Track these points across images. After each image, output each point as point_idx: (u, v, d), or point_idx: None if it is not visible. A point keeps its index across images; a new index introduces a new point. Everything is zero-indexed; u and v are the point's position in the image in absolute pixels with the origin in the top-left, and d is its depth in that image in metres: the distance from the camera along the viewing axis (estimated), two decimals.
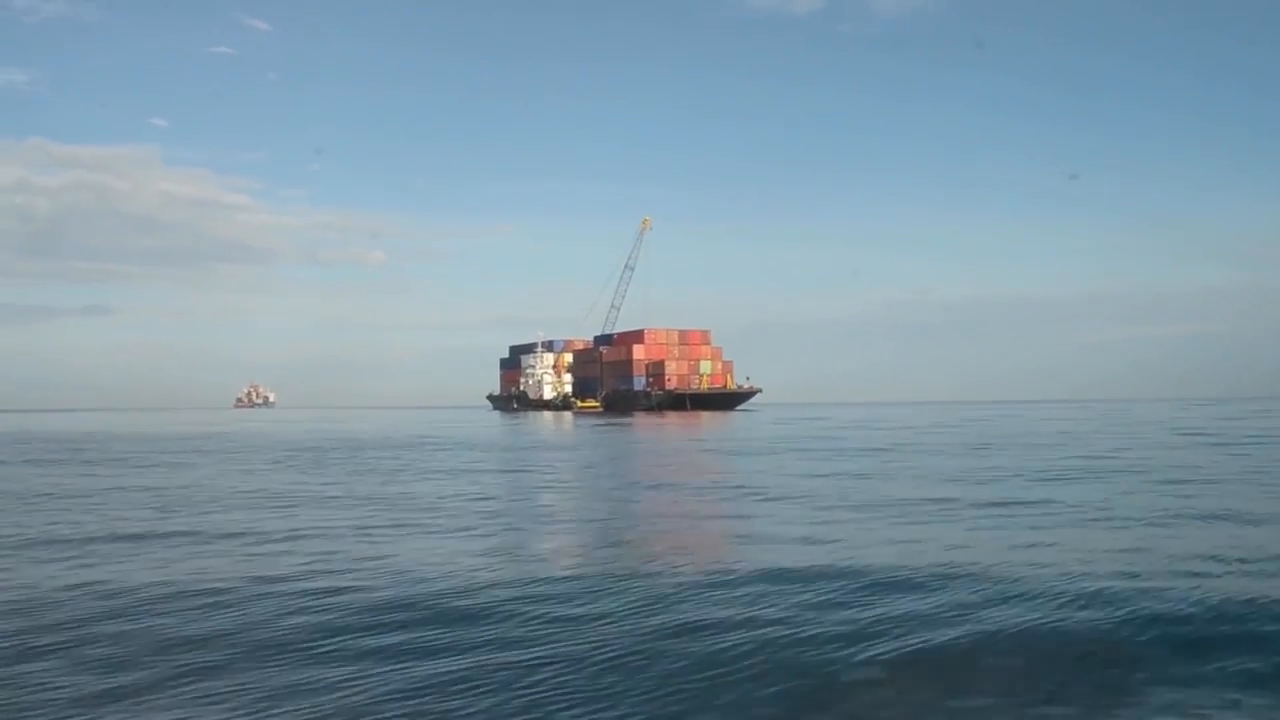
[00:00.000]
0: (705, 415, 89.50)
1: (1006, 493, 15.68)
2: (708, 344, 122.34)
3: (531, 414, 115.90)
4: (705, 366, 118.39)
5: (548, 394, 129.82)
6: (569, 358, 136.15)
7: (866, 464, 23.73)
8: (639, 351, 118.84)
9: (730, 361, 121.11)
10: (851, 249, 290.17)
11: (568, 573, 8.87)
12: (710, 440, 41.26)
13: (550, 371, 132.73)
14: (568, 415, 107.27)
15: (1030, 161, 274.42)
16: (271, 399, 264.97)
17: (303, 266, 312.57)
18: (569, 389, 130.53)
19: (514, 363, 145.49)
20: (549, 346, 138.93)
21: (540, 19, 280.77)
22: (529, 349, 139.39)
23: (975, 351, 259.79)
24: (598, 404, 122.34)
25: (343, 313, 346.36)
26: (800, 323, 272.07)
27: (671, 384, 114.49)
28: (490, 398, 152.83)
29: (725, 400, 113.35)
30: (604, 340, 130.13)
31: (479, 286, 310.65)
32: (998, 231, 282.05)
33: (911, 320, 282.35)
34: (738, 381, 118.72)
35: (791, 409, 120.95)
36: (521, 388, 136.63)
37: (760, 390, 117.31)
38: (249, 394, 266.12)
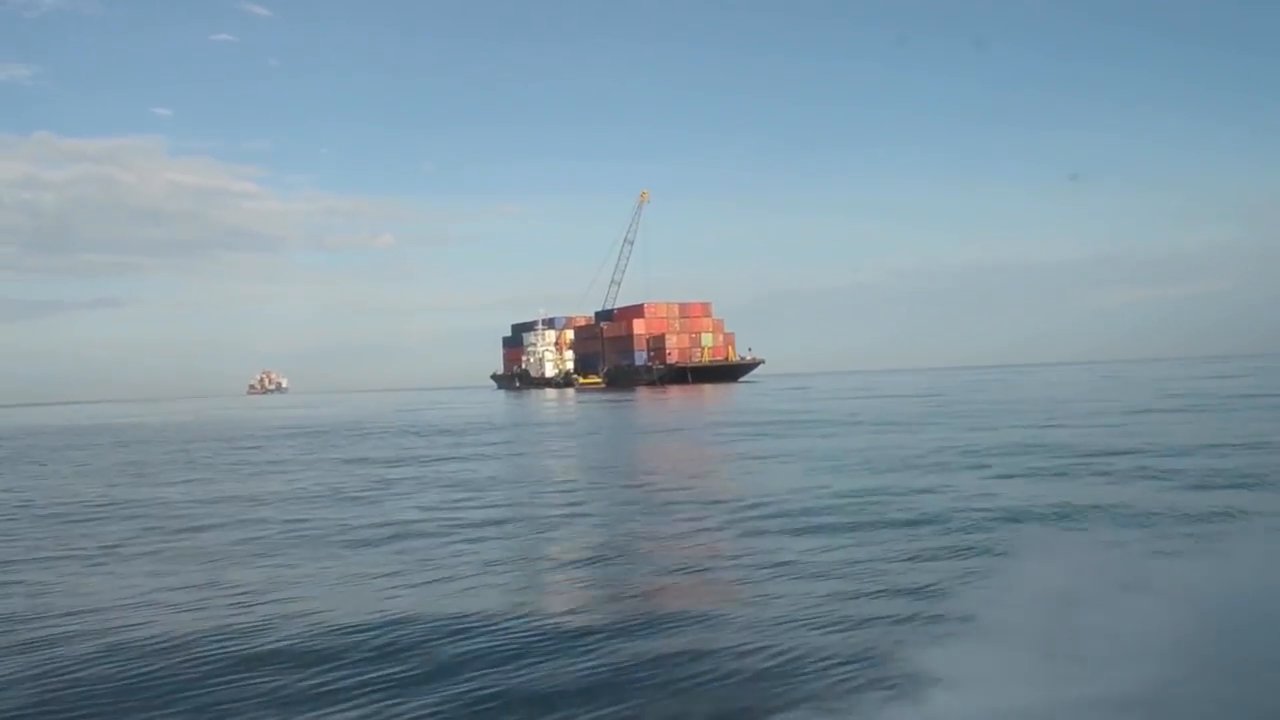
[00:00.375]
0: (708, 388, 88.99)
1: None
2: (709, 316, 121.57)
3: (533, 392, 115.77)
4: (707, 339, 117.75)
5: (549, 372, 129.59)
6: (570, 335, 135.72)
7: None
8: (639, 326, 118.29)
9: (732, 334, 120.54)
10: (859, 219, 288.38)
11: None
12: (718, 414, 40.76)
13: (551, 349, 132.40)
14: (570, 392, 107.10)
15: (1034, 132, 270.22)
16: (284, 385, 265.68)
17: (311, 252, 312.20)
18: (570, 366, 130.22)
19: (516, 341, 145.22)
20: (550, 324, 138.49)
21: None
22: (530, 327, 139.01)
23: (986, 317, 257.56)
24: (600, 380, 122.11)
25: (353, 297, 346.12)
26: (811, 291, 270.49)
27: (673, 358, 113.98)
28: (494, 377, 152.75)
29: (727, 372, 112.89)
30: (605, 316, 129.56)
31: (487, 268, 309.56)
32: (1005, 199, 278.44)
33: (921, 288, 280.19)
34: (739, 353, 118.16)
35: (795, 380, 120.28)
36: (523, 366, 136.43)
37: (763, 361, 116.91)
38: (261, 381, 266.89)
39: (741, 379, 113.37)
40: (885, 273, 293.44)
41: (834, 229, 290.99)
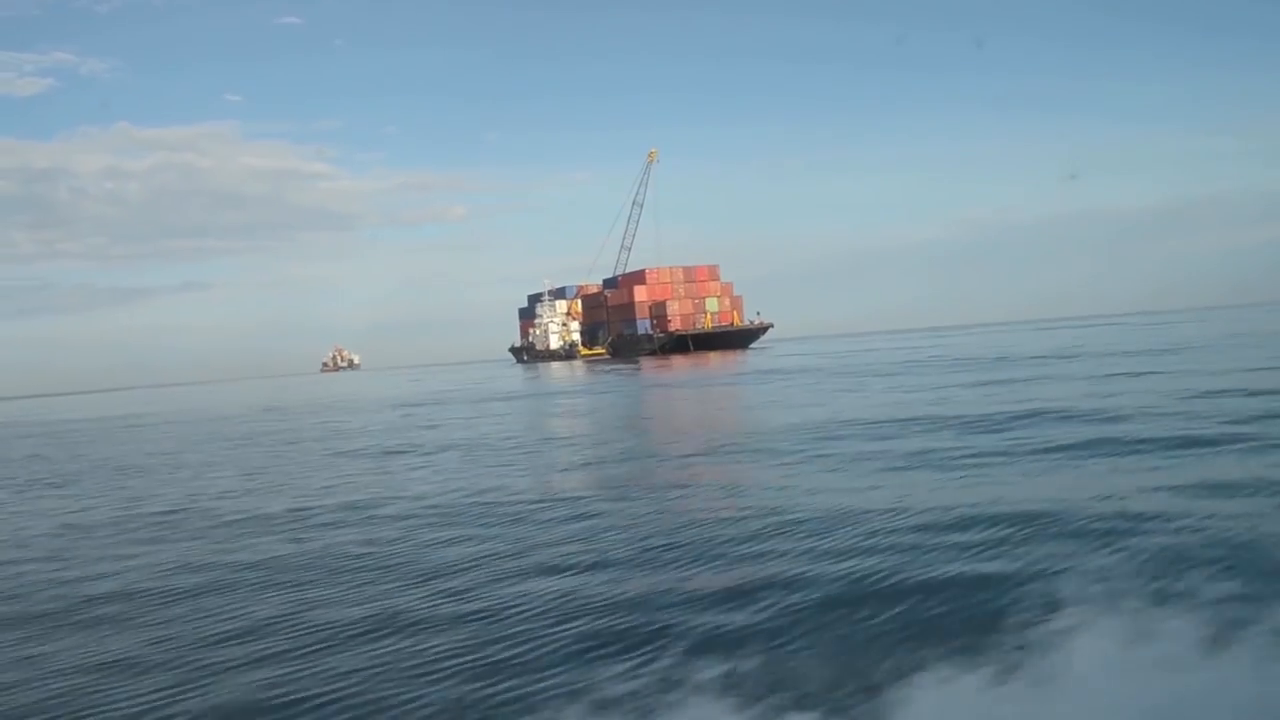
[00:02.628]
0: (713, 357, 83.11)
1: None
2: (716, 280, 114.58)
3: (540, 365, 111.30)
4: (712, 304, 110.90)
5: (554, 344, 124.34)
6: (580, 304, 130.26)
7: None
8: (641, 293, 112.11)
9: (740, 297, 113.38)
10: (920, 172, 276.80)
11: None
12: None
13: (557, 320, 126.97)
14: (578, 364, 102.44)
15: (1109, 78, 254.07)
16: (356, 361, 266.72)
17: (385, 228, 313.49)
18: (576, 337, 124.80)
19: (531, 312, 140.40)
20: (561, 294, 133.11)
21: None
22: (541, 298, 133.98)
23: (1064, 269, 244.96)
24: (603, 350, 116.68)
25: (427, 271, 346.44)
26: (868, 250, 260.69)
27: (675, 325, 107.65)
28: (511, 350, 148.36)
29: (734, 339, 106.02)
30: (612, 284, 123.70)
31: (557, 236, 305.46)
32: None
33: (992, 239, 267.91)
34: (748, 318, 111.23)
35: (810, 343, 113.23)
36: (530, 339, 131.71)
37: (771, 326, 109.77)
38: (334, 358, 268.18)
39: (751, 346, 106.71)
40: (959, 223, 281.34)
41: (881, 188, 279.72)
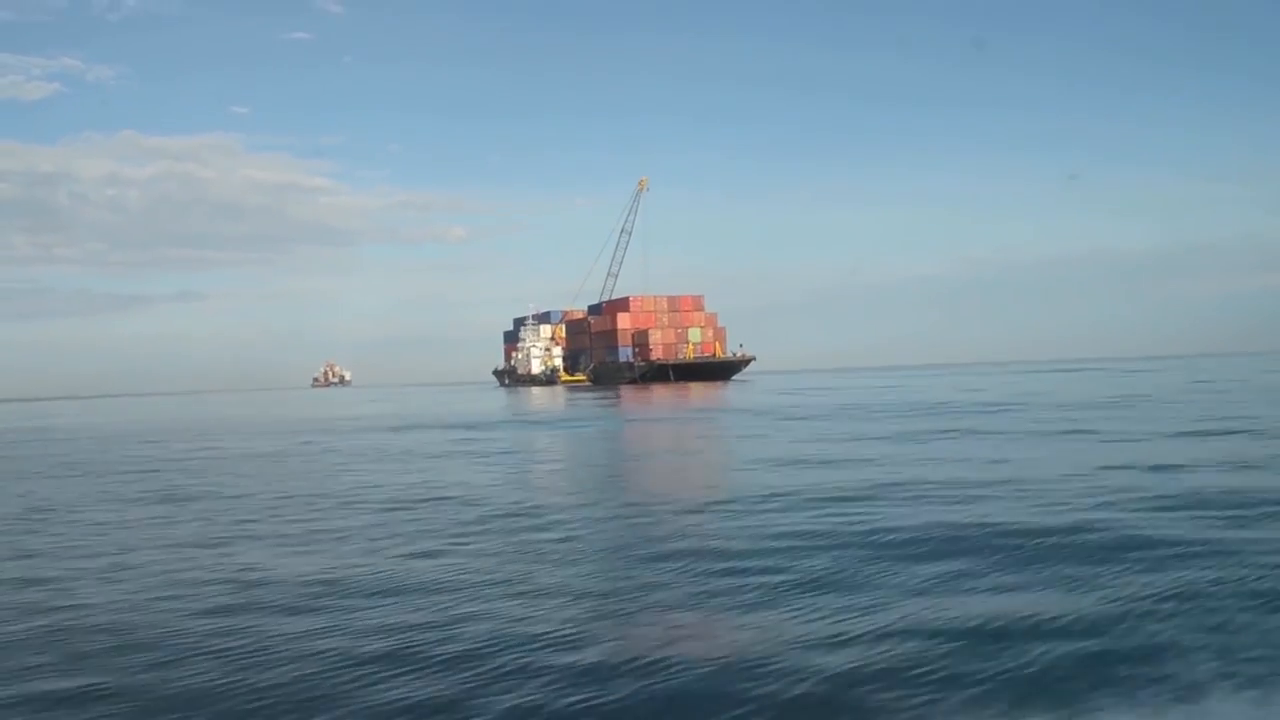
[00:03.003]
0: (693, 387, 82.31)
1: None
2: (700, 310, 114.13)
3: (521, 389, 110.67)
4: (694, 334, 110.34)
5: (535, 369, 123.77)
6: (564, 329, 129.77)
7: None
8: (624, 320, 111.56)
9: (724, 329, 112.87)
10: (921, 207, 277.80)
11: None
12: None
13: (539, 345, 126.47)
14: (559, 390, 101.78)
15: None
16: (347, 377, 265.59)
17: (384, 246, 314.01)
18: (559, 362, 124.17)
19: (515, 336, 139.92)
20: (545, 318, 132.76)
21: None
22: (525, 321, 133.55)
23: (1061, 310, 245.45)
24: (584, 377, 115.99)
25: (423, 291, 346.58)
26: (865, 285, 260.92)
27: (657, 354, 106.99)
28: (495, 373, 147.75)
29: (715, 370, 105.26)
30: (596, 310, 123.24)
31: (554, 259, 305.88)
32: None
33: (991, 277, 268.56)
34: (730, 350, 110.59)
35: (790, 377, 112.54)
36: (513, 362, 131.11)
37: (754, 359, 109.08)
38: (325, 373, 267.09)
39: (734, 378, 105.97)
40: (952, 261, 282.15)
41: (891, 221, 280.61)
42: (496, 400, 69.48)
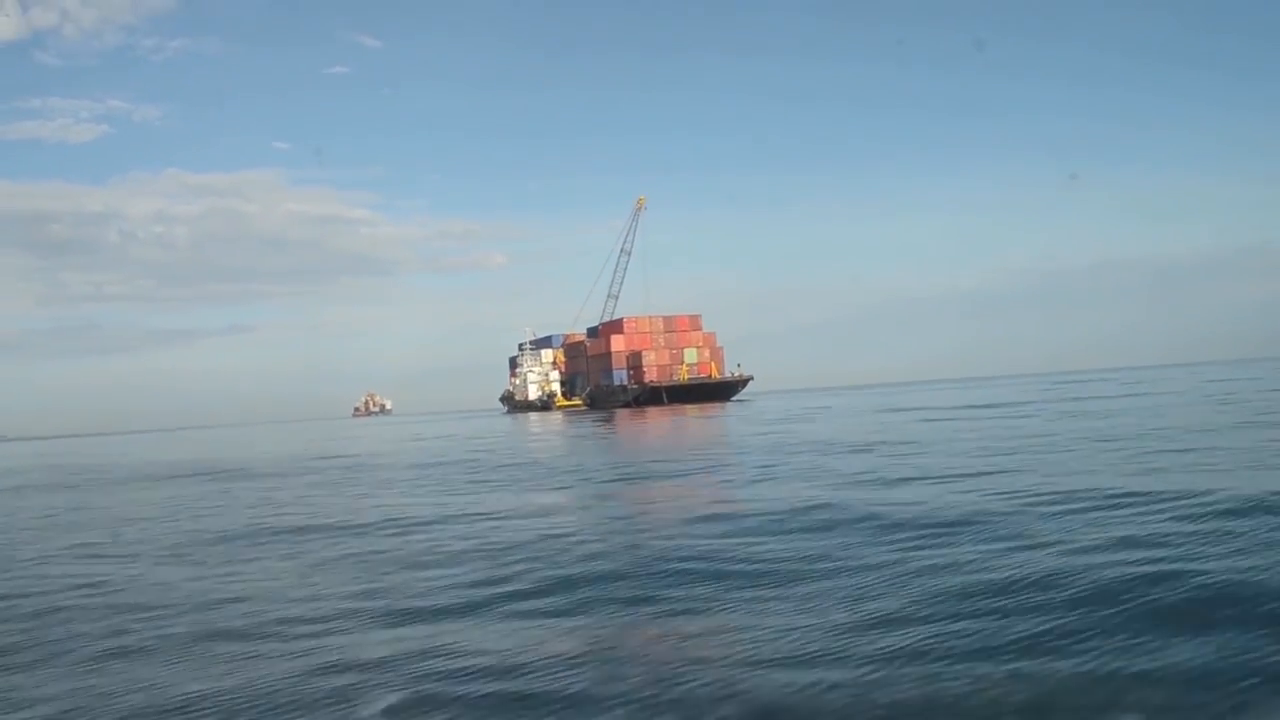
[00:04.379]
0: (691, 410, 79.16)
1: None
2: (698, 330, 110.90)
3: (519, 415, 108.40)
4: (690, 355, 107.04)
5: (532, 394, 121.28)
6: (563, 353, 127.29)
7: None
8: (618, 343, 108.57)
9: (721, 349, 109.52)
10: (958, 216, 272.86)
11: None
12: None
13: (536, 370, 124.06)
14: (554, 415, 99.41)
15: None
16: (388, 406, 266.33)
17: (425, 274, 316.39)
18: (556, 387, 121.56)
19: (517, 362, 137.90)
20: (546, 343, 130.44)
21: (639, 13, 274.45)
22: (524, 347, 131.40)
23: (1104, 316, 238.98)
24: (580, 402, 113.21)
25: (466, 318, 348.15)
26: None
27: (651, 376, 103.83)
28: (501, 399, 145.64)
29: (711, 391, 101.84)
30: (594, 333, 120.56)
31: (592, 283, 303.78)
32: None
33: (1031, 286, 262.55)
34: (728, 370, 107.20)
35: (790, 397, 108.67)
36: (511, 388, 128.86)
37: (751, 379, 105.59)
38: (366, 403, 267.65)
39: (734, 398, 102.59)
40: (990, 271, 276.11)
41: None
42: (491, 428, 66.89)
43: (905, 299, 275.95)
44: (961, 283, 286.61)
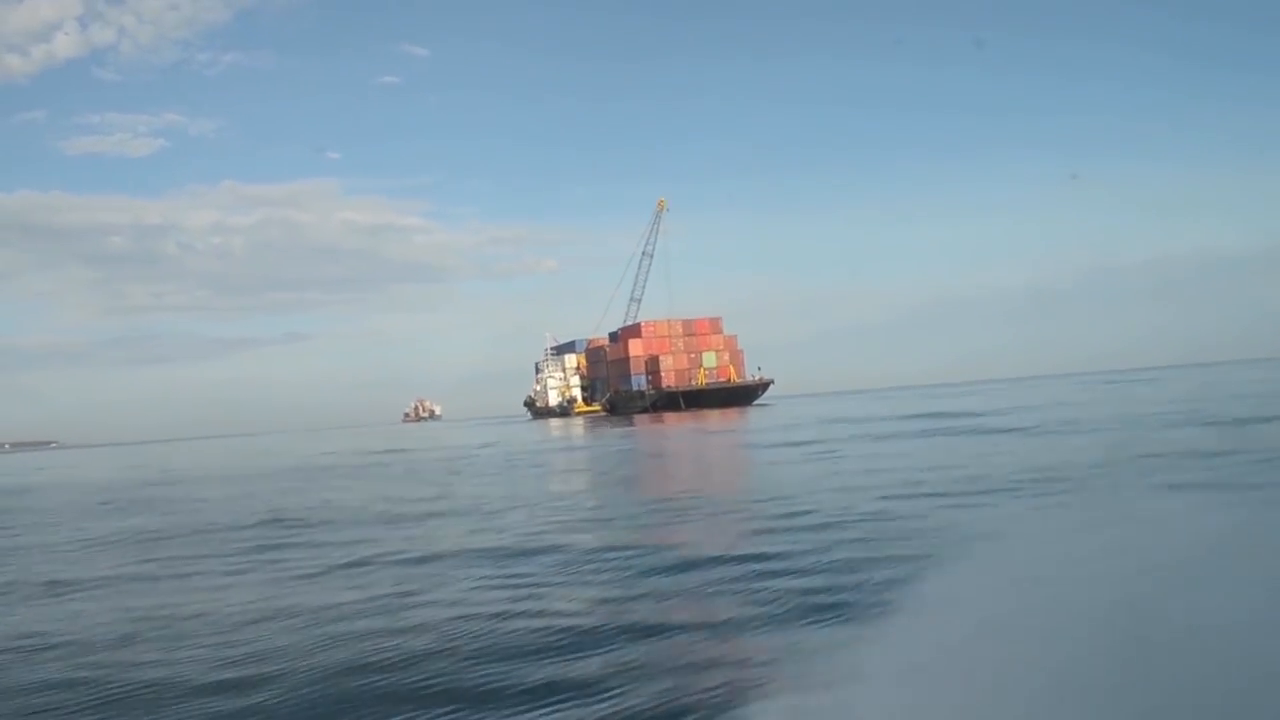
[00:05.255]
0: (711, 415, 77.47)
1: None
2: (719, 333, 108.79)
3: (539, 422, 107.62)
4: (709, 359, 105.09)
5: (553, 400, 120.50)
6: (585, 359, 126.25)
7: None
8: (635, 347, 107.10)
9: (742, 352, 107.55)
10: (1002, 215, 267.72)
11: None
12: None
13: (556, 376, 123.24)
14: (575, 420, 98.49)
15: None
16: (437, 411, 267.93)
17: (478, 281, 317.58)
18: (577, 393, 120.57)
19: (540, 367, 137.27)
20: (569, 348, 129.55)
21: (683, 18, 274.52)
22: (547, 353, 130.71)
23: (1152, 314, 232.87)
24: (599, 407, 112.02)
25: (517, 323, 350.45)
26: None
27: (668, 380, 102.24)
28: (525, 404, 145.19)
29: (729, 396, 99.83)
30: (615, 337, 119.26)
31: (626, 288, 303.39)
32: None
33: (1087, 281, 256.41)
34: (748, 373, 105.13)
35: (811, 402, 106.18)
36: (533, 394, 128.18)
37: (771, 382, 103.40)
38: (416, 408, 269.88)
39: (756, 402, 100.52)
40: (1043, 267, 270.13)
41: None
42: (528, 436, 65.82)
43: (940, 301, 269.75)
44: (1004, 281, 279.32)
